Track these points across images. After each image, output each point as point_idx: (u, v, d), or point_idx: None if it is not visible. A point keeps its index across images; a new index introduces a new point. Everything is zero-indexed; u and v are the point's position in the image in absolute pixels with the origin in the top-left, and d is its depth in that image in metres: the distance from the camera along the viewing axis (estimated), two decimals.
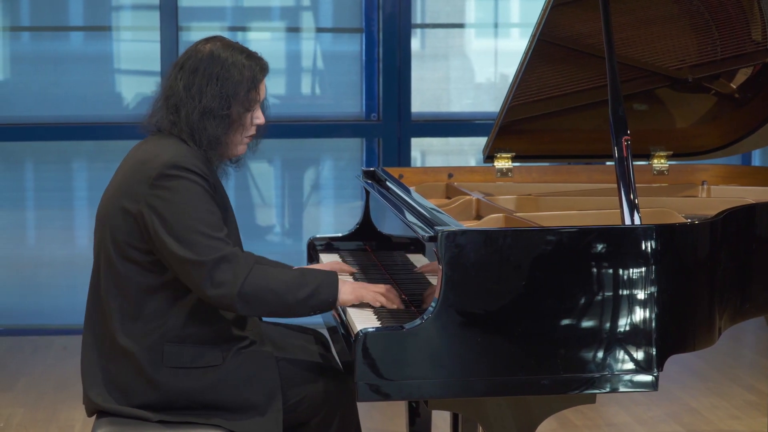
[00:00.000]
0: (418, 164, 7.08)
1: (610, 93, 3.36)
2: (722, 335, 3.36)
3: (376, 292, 3.25)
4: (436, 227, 3.01)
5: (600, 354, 3.02)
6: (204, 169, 3.13)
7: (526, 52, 3.92)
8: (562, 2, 3.86)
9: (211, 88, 3.16)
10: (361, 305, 3.27)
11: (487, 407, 3.12)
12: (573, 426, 5.01)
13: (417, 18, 6.93)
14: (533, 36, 3.88)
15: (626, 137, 3.28)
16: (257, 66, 3.24)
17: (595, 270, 3.02)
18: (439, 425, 4.70)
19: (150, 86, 6.68)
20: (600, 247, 3.03)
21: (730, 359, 6.04)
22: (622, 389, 3.06)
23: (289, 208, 6.94)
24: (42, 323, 6.63)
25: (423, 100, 6.90)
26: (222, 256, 3.03)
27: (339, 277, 3.23)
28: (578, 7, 3.94)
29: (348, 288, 3.22)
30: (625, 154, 3.25)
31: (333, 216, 6.91)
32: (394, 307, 3.24)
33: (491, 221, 3.53)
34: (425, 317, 2.94)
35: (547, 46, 4.00)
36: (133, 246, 3.12)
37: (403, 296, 3.41)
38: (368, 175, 4.20)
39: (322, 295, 3.13)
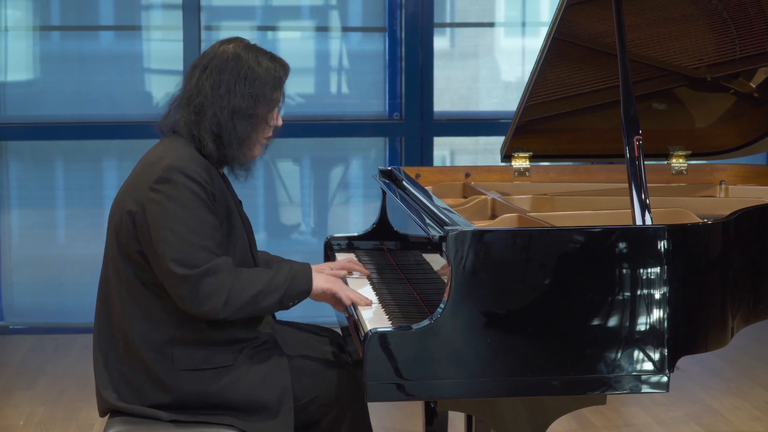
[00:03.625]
0: (447, 163, 7.08)
1: (622, 92, 3.35)
2: (745, 336, 3.33)
3: (347, 294, 3.32)
4: (445, 227, 3.01)
5: (611, 355, 3.01)
6: (205, 176, 3.13)
7: (541, 52, 3.92)
8: (576, 1, 3.85)
9: (239, 87, 3.19)
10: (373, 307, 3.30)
11: (498, 408, 3.12)
12: (593, 426, 4.99)
13: (446, 17, 6.92)
14: (548, 35, 3.87)
15: (638, 137, 3.26)
16: (280, 67, 3.27)
17: (604, 270, 3.01)
18: (456, 424, 4.70)
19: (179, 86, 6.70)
20: (610, 247, 3.02)
21: (752, 360, 6.00)
22: (634, 390, 3.05)
23: (316, 206, 6.95)
24: (66, 322, 6.68)
25: (452, 99, 6.90)
26: (205, 270, 3.05)
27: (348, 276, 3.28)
28: (594, 5, 3.93)
29: (322, 280, 3.28)
30: (636, 154, 3.24)
31: (361, 215, 6.92)
32: (364, 305, 3.31)
33: (505, 221, 3.52)
34: (434, 318, 2.94)
35: (563, 45, 3.99)
36: (135, 247, 3.14)
37: (417, 296, 3.42)
38: (385, 174, 4.20)
39: (296, 287, 3.20)
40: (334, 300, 3.31)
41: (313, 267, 3.55)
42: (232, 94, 3.19)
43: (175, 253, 3.04)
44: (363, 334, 3.05)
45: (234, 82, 3.19)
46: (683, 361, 3.10)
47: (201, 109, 3.20)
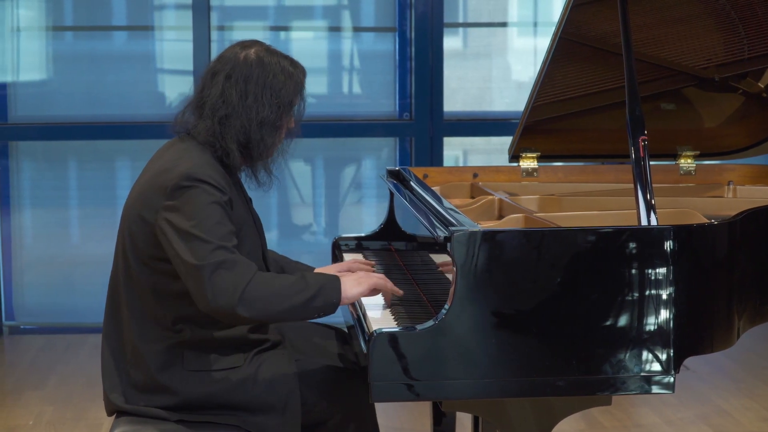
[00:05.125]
0: (460, 163, 7.08)
1: (627, 92, 3.35)
2: (754, 337, 3.32)
3: (379, 279, 3.23)
4: (450, 228, 3.01)
5: (617, 355, 3.00)
6: (221, 182, 3.12)
7: (548, 51, 3.92)
8: (582, 1, 3.85)
9: (266, 97, 3.18)
10: (378, 305, 3.29)
11: (504, 408, 3.12)
12: (601, 427, 4.99)
13: (459, 17, 6.92)
14: (555, 35, 3.87)
15: (643, 137, 3.26)
16: (300, 71, 3.27)
17: (609, 271, 3.00)
18: (464, 425, 4.70)
19: (192, 86, 6.71)
20: (615, 247, 3.01)
21: (763, 360, 5.98)
22: (639, 391, 3.04)
23: (327, 206, 6.95)
24: (77, 321, 6.70)
25: (464, 98, 6.90)
26: (221, 262, 2.99)
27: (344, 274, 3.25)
28: (600, 5, 3.92)
29: (352, 282, 3.17)
30: (642, 154, 3.23)
31: (373, 215, 6.92)
32: (400, 293, 3.26)
33: (511, 221, 3.52)
34: (438, 318, 2.94)
35: (570, 45, 3.99)
36: (150, 253, 3.14)
37: (423, 297, 3.42)
38: (393, 174, 4.20)
39: (325, 297, 3.09)
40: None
41: (319, 269, 3.56)
42: (260, 104, 3.17)
43: (191, 250, 3.01)
44: (368, 334, 3.05)
45: (261, 92, 3.18)
46: (693, 362, 3.08)
47: (227, 119, 3.18)
